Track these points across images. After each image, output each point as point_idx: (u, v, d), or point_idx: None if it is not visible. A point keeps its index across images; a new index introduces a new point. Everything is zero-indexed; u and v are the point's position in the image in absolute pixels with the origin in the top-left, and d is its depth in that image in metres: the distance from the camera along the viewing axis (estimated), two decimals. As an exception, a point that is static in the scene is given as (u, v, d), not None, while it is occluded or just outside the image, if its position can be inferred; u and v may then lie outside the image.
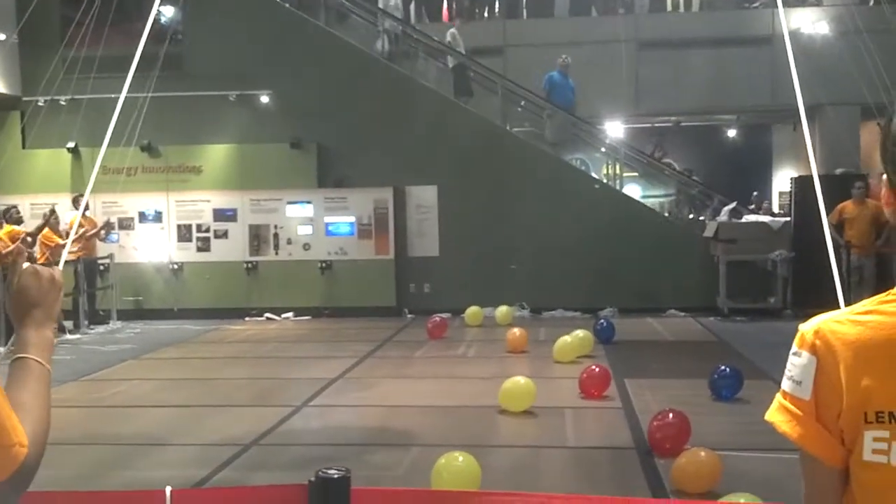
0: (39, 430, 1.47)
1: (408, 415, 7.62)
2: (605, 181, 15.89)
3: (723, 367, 7.99)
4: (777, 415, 1.43)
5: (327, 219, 14.15)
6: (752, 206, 13.68)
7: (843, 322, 1.39)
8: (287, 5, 14.90)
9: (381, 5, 15.35)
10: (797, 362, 1.41)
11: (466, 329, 12.51)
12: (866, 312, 1.39)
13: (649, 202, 16.20)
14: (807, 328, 1.42)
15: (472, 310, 12.80)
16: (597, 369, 8.14)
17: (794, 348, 1.42)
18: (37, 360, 1.54)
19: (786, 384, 1.43)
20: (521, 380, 7.57)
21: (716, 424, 6.90)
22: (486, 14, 18.80)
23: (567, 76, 14.85)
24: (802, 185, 13.02)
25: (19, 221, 12.39)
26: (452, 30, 15.02)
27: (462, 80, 14.94)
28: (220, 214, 14.34)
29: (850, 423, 1.35)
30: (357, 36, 15.23)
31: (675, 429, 6.09)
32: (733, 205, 13.68)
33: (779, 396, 1.44)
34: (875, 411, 1.33)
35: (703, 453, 5.43)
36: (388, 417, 7.54)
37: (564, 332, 10.22)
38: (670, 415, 6.20)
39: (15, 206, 12.66)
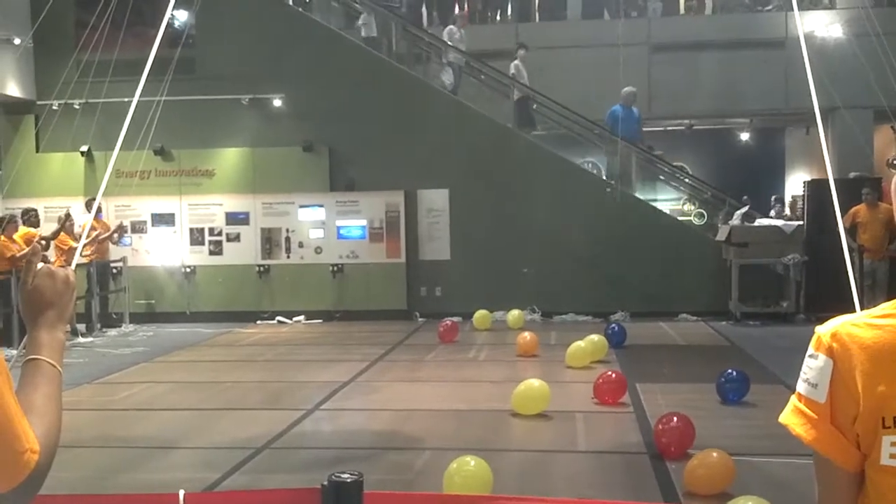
0: (51, 432, 1.46)
1: (419, 418, 7.62)
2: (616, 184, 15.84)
3: (729, 371, 7.99)
4: (792, 417, 1.42)
5: (339, 222, 14.17)
6: (746, 210, 13.54)
7: (860, 325, 1.38)
8: (300, 9, 14.95)
9: (445, 38, 15.23)
10: (813, 365, 1.40)
11: (477, 333, 12.50)
12: (884, 316, 1.38)
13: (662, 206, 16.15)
14: (823, 331, 1.41)
15: (480, 314, 12.80)
16: (613, 375, 8.09)
17: (811, 350, 1.41)
18: (49, 362, 1.54)
19: (801, 387, 1.42)
20: (535, 383, 7.54)
21: (722, 428, 6.88)
22: (498, 17, 18.80)
23: (631, 108, 14.72)
24: (815, 188, 12.96)
25: (36, 224, 12.47)
26: (516, 62, 14.96)
27: (525, 112, 14.99)
28: (232, 218, 14.38)
29: (866, 427, 1.34)
30: (370, 40, 15.25)
31: (678, 432, 6.10)
32: (746, 208, 13.63)
33: (794, 399, 1.43)
34: (893, 416, 1.32)
35: (715, 455, 5.43)
36: (400, 421, 7.54)
37: (576, 336, 10.20)
38: (674, 418, 6.21)
39: (34, 210, 12.73)
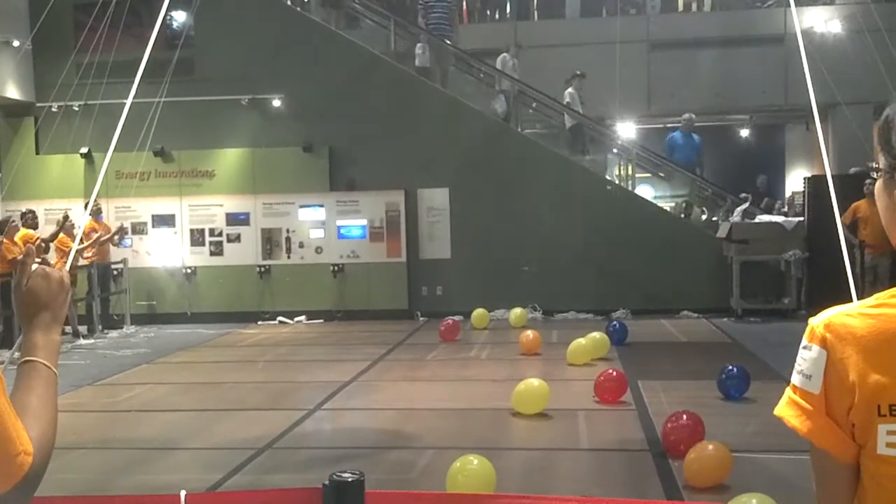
0: (46, 434, 1.46)
1: (421, 417, 7.62)
2: (617, 182, 15.86)
3: (730, 367, 7.99)
4: (786, 409, 1.42)
5: (339, 222, 14.17)
6: (746, 206, 13.52)
7: (853, 315, 1.38)
8: (298, 9, 14.95)
9: (498, 66, 15.17)
10: (807, 356, 1.40)
11: (479, 332, 12.50)
12: (877, 306, 1.38)
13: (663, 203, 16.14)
14: (817, 322, 1.41)
15: (478, 312, 12.78)
16: (614, 373, 8.08)
17: (805, 342, 1.41)
18: (44, 364, 1.54)
19: (795, 378, 1.42)
20: (534, 382, 7.53)
21: (724, 425, 6.86)
22: (496, 16, 18.80)
23: (691, 134, 14.64)
24: (816, 184, 12.96)
25: (35, 226, 12.47)
26: (570, 90, 14.94)
27: (578, 140, 15.01)
28: (232, 218, 14.38)
29: (861, 416, 1.34)
30: (367, 38, 15.25)
31: (688, 430, 6.06)
32: (746, 205, 13.62)
33: (788, 391, 1.43)
34: (889, 404, 1.32)
35: (711, 447, 5.45)
36: (402, 420, 7.53)
37: (577, 334, 10.19)
38: (684, 416, 6.19)
39: (32, 211, 12.74)
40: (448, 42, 15.35)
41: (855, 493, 1.38)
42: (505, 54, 15.20)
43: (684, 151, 14.59)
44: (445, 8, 15.10)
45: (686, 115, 14.76)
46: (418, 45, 14.86)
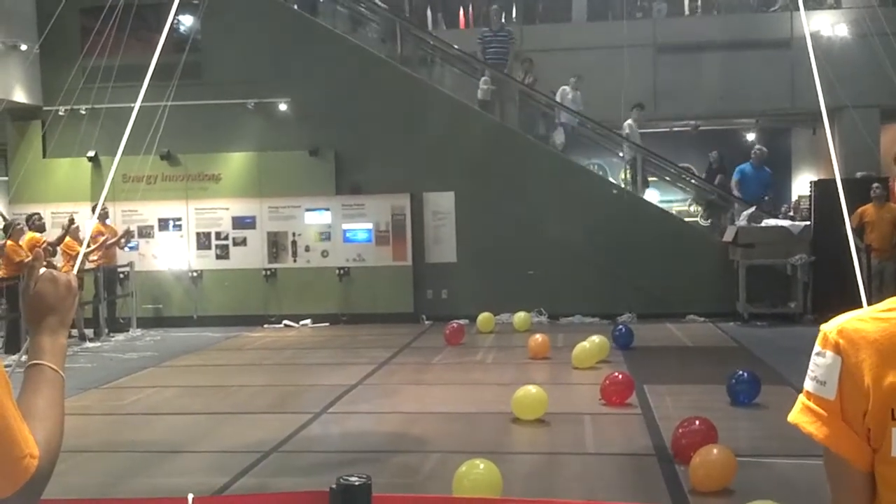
0: (52, 437, 1.47)
1: (427, 421, 7.62)
2: (623, 186, 15.85)
3: (740, 373, 7.95)
4: (801, 416, 1.42)
5: (345, 226, 14.18)
6: (753, 210, 13.47)
7: (865, 320, 1.39)
8: (305, 13, 14.97)
9: (557, 98, 15.15)
10: (821, 362, 1.40)
11: (484, 335, 12.50)
12: (889, 310, 1.39)
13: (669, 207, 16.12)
14: (829, 328, 1.41)
15: (484, 316, 12.77)
16: (620, 376, 8.07)
17: (818, 348, 1.41)
18: (51, 367, 1.55)
19: (809, 384, 1.42)
20: (532, 389, 7.49)
21: (734, 430, 6.85)
22: (503, 20, 18.79)
23: (761, 167, 14.47)
24: (822, 188, 12.93)
25: (41, 229, 12.50)
26: (629, 121, 14.94)
27: (640, 170, 15.00)
28: (238, 222, 14.40)
29: (876, 420, 1.34)
30: (375, 43, 15.27)
31: (701, 435, 6.02)
32: (752, 209, 13.60)
33: (802, 397, 1.43)
34: None
35: (715, 451, 5.45)
36: (407, 424, 7.53)
37: (583, 338, 10.18)
38: (697, 422, 6.15)
39: (37, 214, 12.77)
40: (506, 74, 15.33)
41: (871, 501, 1.38)
42: (565, 87, 15.17)
43: (753, 185, 14.32)
44: (503, 42, 15.15)
45: (756, 148, 14.71)
46: (483, 79, 14.85)
